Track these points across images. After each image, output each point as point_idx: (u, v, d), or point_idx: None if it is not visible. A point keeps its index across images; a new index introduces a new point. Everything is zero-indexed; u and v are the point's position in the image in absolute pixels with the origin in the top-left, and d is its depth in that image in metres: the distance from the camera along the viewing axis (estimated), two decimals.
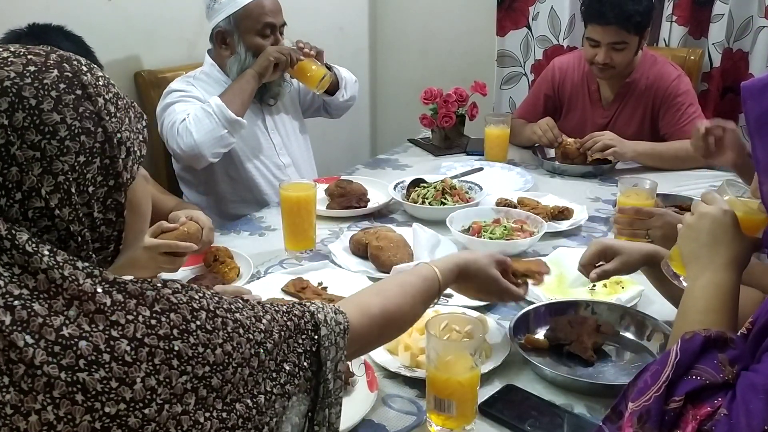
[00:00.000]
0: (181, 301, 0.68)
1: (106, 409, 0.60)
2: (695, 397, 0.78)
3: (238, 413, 0.68)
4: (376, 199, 1.99)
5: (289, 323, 0.77)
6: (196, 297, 0.69)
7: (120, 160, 0.70)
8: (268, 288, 1.46)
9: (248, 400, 0.70)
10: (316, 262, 1.61)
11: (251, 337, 0.71)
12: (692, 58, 2.68)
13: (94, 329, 0.61)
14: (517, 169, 2.26)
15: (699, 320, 0.90)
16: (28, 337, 0.58)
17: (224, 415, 0.67)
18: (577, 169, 2.25)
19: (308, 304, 0.84)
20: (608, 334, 1.27)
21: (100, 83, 0.71)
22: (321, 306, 0.84)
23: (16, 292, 0.60)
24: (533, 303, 1.36)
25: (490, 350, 1.22)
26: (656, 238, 1.49)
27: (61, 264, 0.63)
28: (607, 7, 2.17)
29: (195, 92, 2.02)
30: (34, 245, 0.63)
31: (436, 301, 1.07)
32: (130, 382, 0.61)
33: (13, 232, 0.62)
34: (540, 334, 1.28)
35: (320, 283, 1.51)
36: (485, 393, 1.12)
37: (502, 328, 1.29)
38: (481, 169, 2.26)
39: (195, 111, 1.92)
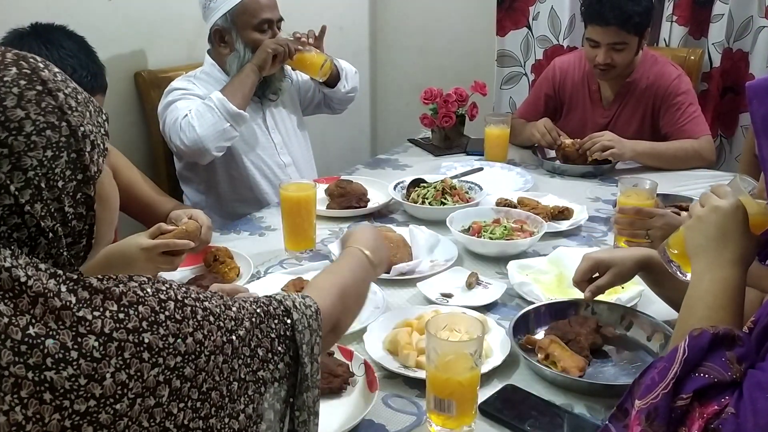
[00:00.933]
0: (148, 294, 0.68)
1: (76, 407, 0.60)
2: (703, 394, 0.77)
3: (211, 402, 0.69)
4: (376, 199, 1.99)
5: (258, 310, 0.78)
6: (163, 288, 0.70)
7: (86, 154, 0.70)
8: (268, 288, 1.46)
9: (224, 388, 0.70)
10: (316, 262, 1.61)
11: (222, 324, 0.72)
12: (692, 58, 2.68)
13: (61, 327, 0.61)
14: (517, 169, 2.26)
15: (707, 316, 0.90)
16: None
17: (198, 404, 0.67)
18: (577, 169, 2.25)
19: (274, 294, 0.84)
20: (608, 335, 1.27)
21: (59, 78, 0.71)
22: (287, 295, 0.85)
23: None
24: (533, 303, 1.37)
25: (490, 350, 1.22)
26: (656, 239, 1.49)
27: (23, 266, 0.63)
28: (606, 8, 2.17)
29: (196, 90, 2.03)
30: None
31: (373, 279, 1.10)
32: (100, 378, 0.61)
33: None
34: (540, 334, 1.28)
35: None
36: (485, 393, 1.12)
37: (502, 328, 1.29)
38: (481, 169, 2.25)
39: (197, 106, 1.93)
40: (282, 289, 1.47)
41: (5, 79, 0.66)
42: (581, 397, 1.13)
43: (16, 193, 0.64)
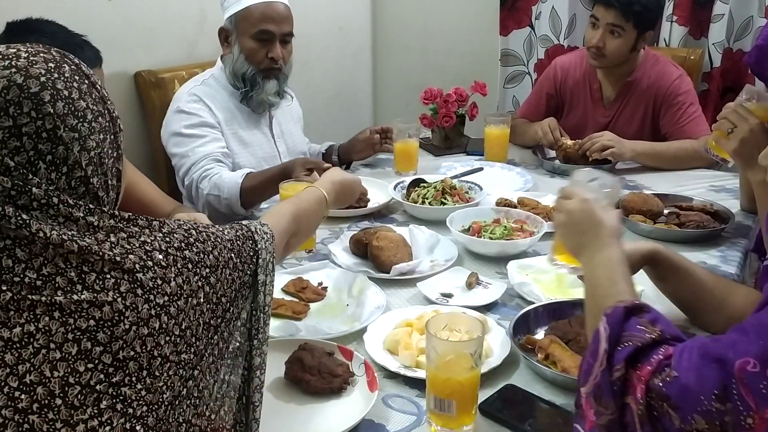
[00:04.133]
0: (173, 226, 0.85)
1: (158, 300, 0.77)
2: (634, 360, 0.83)
3: (222, 306, 0.87)
4: (376, 199, 1.99)
5: (238, 233, 0.94)
6: (181, 222, 0.87)
7: (120, 135, 0.85)
8: None
9: (231, 295, 0.89)
10: (316, 262, 1.61)
11: (225, 245, 0.89)
12: (692, 58, 2.67)
13: (135, 247, 0.78)
14: (517, 169, 2.26)
15: (608, 294, 0.96)
16: (94, 255, 0.74)
17: (215, 307, 0.85)
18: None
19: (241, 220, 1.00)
20: None
21: (92, 72, 0.83)
22: (249, 221, 1.00)
23: (69, 233, 0.75)
24: (533, 303, 1.36)
25: (490, 350, 1.22)
26: (736, 139, 1.50)
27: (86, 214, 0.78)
28: None
29: (203, 113, 2.00)
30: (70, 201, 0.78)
31: (325, 214, 1.33)
32: (168, 280, 0.78)
33: (58, 193, 0.76)
34: (540, 334, 1.28)
35: (320, 283, 1.51)
36: (485, 393, 1.12)
37: (502, 328, 1.29)
38: (481, 169, 2.25)
39: (217, 179, 1.90)
40: (282, 289, 1.47)
41: (66, 74, 0.78)
42: None
43: (86, 168, 0.78)
